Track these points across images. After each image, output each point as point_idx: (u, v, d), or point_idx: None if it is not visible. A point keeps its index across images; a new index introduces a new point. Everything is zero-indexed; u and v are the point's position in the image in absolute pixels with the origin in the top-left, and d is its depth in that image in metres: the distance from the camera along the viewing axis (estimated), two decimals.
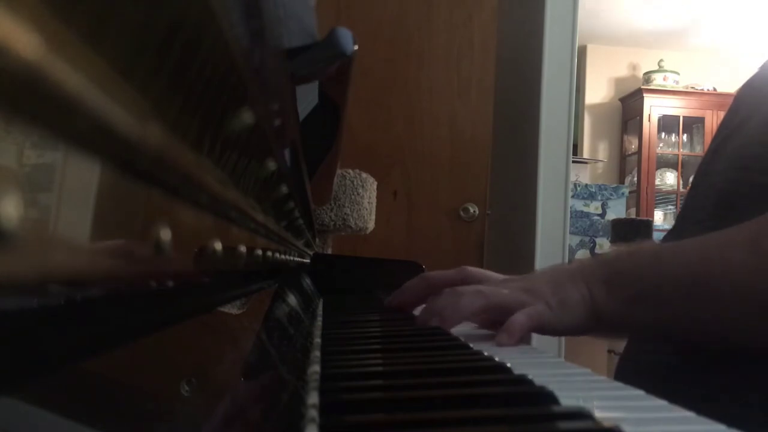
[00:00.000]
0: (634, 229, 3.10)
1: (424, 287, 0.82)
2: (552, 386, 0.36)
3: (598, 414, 0.31)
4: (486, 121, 2.06)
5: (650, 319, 0.62)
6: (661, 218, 4.78)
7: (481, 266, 1.96)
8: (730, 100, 0.87)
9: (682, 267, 0.61)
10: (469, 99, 2.05)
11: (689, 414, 0.34)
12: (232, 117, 0.28)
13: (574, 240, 3.40)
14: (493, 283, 0.77)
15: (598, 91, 5.06)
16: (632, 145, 4.97)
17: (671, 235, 0.87)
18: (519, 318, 0.61)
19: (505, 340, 0.60)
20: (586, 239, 3.52)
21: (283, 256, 0.65)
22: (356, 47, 0.60)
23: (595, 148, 5.08)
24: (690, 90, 4.84)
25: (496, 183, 2.13)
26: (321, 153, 0.91)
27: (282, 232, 0.61)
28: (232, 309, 0.43)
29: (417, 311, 0.86)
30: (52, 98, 0.13)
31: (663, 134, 4.89)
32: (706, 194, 0.74)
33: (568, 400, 0.35)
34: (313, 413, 0.31)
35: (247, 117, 0.28)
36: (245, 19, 0.28)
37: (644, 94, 4.79)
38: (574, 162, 2.61)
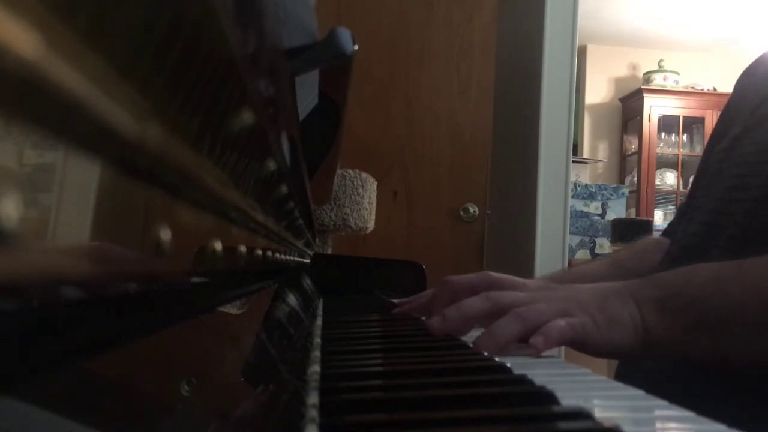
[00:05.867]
0: (634, 229, 3.10)
1: (449, 294, 0.81)
2: (552, 386, 0.36)
3: (598, 414, 0.31)
4: (486, 121, 2.06)
5: (709, 348, 0.57)
6: (661, 218, 4.78)
7: (481, 266, 1.97)
8: None
9: (751, 293, 0.56)
10: (469, 99, 2.05)
11: (689, 414, 0.34)
12: (232, 117, 0.28)
13: (574, 240, 3.40)
14: (522, 290, 0.74)
15: (598, 91, 5.06)
16: (632, 145, 4.97)
17: (674, 227, 0.86)
18: (559, 323, 0.54)
19: (541, 343, 0.53)
20: (586, 239, 3.52)
21: (283, 256, 0.65)
22: (356, 47, 0.60)
23: (595, 148, 5.08)
24: (690, 90, 4.84)
25: (496, 183, 2.13)
26: (321, 153, 0.91)
27: (282, 232, 0.60)
28: (232, 309, 0.43)
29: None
30: (52, 98, 0.13)
31: (663, 134, 4.88)
32: (729, 200, 0.70)
33: (568, 400, 0.35)
34: (313, 413, 0.31)
35: (247, 117, 0.28)
36: (246, 19, 0.28)
37: (644, 94, 4.79)
38: (574, 162, 2.61)
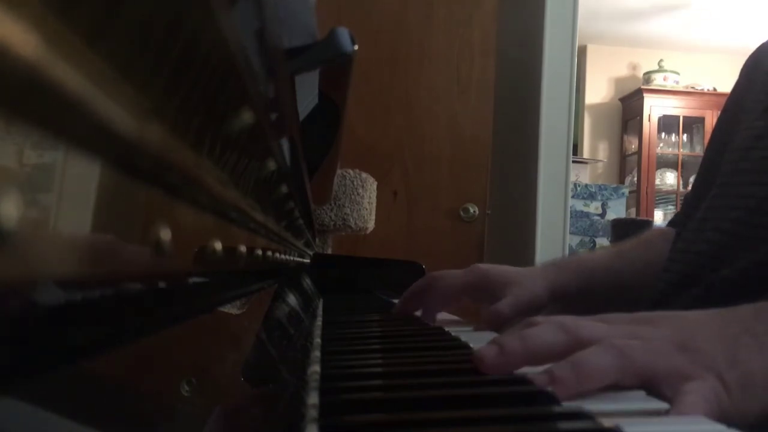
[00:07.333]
0: (634, 229, 3.10)
1: (425, 288, 0.80)
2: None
3: (598, 414, 0.31)
4: (486, 121, 2.06)
5: None
6: (661, 218, 4.78)
7: None
8: None
9: None
10: (469, 99, 2.05)
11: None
12: (232, 117, 0.28)
13: (574, 240, 3.40)
14: (525, 287, 0.72)
15: (598, 91, 5.07)
16: (632, 145, 4.97)
17: (679, 218, 0.85)
18: (699, 391, 0.38)
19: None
20: (586, 239, 3.53)
21: (283, 256, 0.65)
22: (356, 47, 0.60)
23: (595, 148, 5.08)
24: (690, 90, 4.84)
25: (496, 183, 2.13)
26: (321, 153, 0.91)
27: (282, 232, 0.60)
28: (232, 309, 0.43)
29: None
30: (52, 98, 0.13)
31: (663, 134, 4.89)
32: (758, 210, 0.65)
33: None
34: (313, 413, 0.31)
35: (247, 117, 0.28)
36: (245, 19, 0.28)
37: (644, 94, 4.79)
38: (574, 162, 2.61)
